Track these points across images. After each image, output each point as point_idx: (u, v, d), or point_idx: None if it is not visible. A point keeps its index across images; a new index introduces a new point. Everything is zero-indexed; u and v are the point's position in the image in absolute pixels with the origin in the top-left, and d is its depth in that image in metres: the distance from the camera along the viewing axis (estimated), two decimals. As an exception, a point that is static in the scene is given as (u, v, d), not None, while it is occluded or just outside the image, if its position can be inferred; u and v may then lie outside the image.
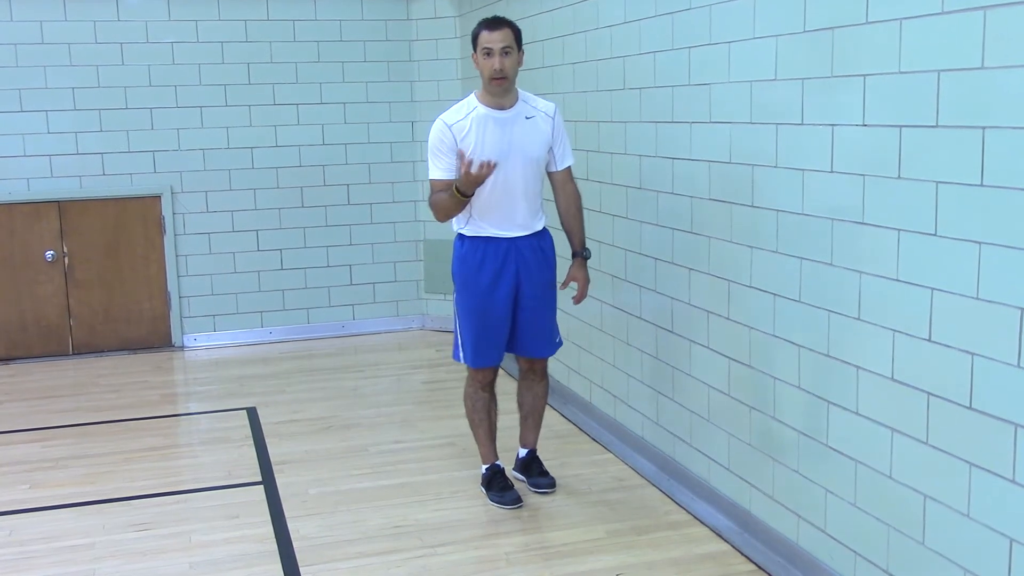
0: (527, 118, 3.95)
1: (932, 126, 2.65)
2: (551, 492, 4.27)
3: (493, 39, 3.84)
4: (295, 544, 3.86)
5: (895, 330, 2.86)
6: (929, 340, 2.72)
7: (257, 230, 7.10)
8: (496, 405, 4.24)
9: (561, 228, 4.18)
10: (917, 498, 2.82)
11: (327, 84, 7.10)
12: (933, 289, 2.70)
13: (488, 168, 3.68)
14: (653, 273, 4.36)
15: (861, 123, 2.94)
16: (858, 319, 3.02)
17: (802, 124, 3.23)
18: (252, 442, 5.06)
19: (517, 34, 3.90)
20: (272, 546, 3.85)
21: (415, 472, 4.58)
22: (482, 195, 3.89)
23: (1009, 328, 2.45)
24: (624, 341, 4.71)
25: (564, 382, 5.42)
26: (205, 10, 6.82)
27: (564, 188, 4.12)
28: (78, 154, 6.71)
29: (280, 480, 4.52)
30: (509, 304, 4.02)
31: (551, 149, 4.02)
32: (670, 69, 4.08)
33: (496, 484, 4.20)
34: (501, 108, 3.92)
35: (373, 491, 4.37)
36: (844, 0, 2.97)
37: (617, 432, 4.81)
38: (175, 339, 7.04)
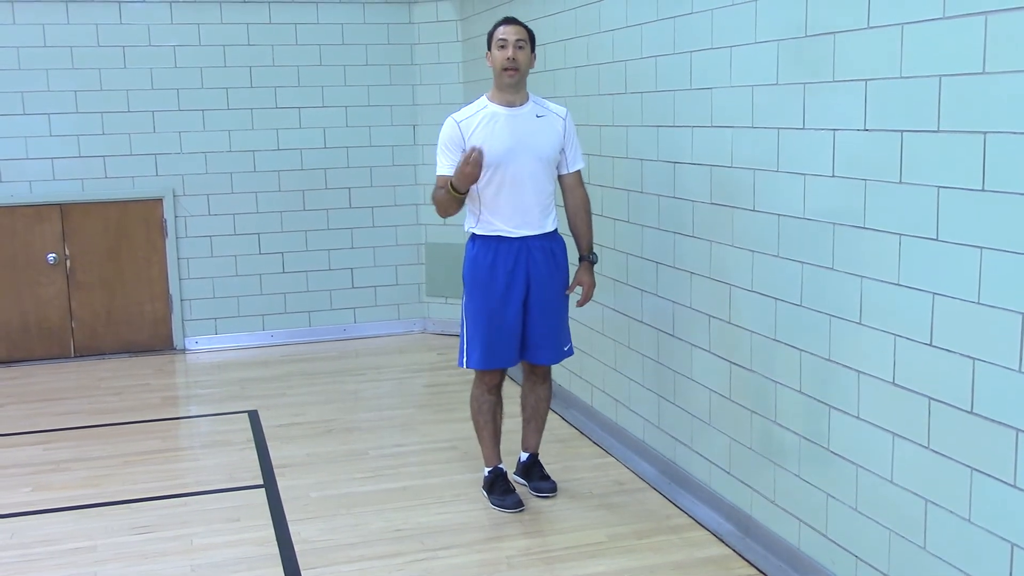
0: (538, 116, 3.99)
1: (933, 131, 2.66)
2: (552, 496, 4.27)
3: (508, 32, 3.91)
4: (296, 547, 3.86)
5: (896, 334, 2.86)
6: (930, 345, 2.73)
7: (259, 233, 7.10)
8: (502, 408, 4.25)
9: (569, 232, 4.20)
10: (918, 502, 2.82)
11: (329, 87, 7.11)
12: (934, 294, 2.70)
13: (474, 157, 3.71)
14: (654, 277, 4.37)
15: (863, 128, 2.94)
16: (859, 323, 3.02)
17: (804, 128, 3.23)
18: (253, 445, 5.07)
19: (531, 35, 3.98)
20: (273, 549, 3.86)
21: (416, 475, 4.58)
22: (490, 191, 3.91)
23: (1010, 333, 2.45)
24: (625, 345, 4.71)
25: (566, 386, 5.42)
26: (207, 14, 6.83)
27: (574, 192, 4.15)
28: (80, 157, 6.72)
29: (281, 483, 4.52)
30: (520, 305, 4.03)
31: (562, 150, 4.05)
32: (671, 73, 4.08)
33: (498, 488, 4.20)
34: (511, 105, 3.95)
35: (374, 494, 4.37)
36: (846, 5, 2.97)
37: (618, 436, 4.81)
38: (177, 342, 7.05)
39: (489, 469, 4.26)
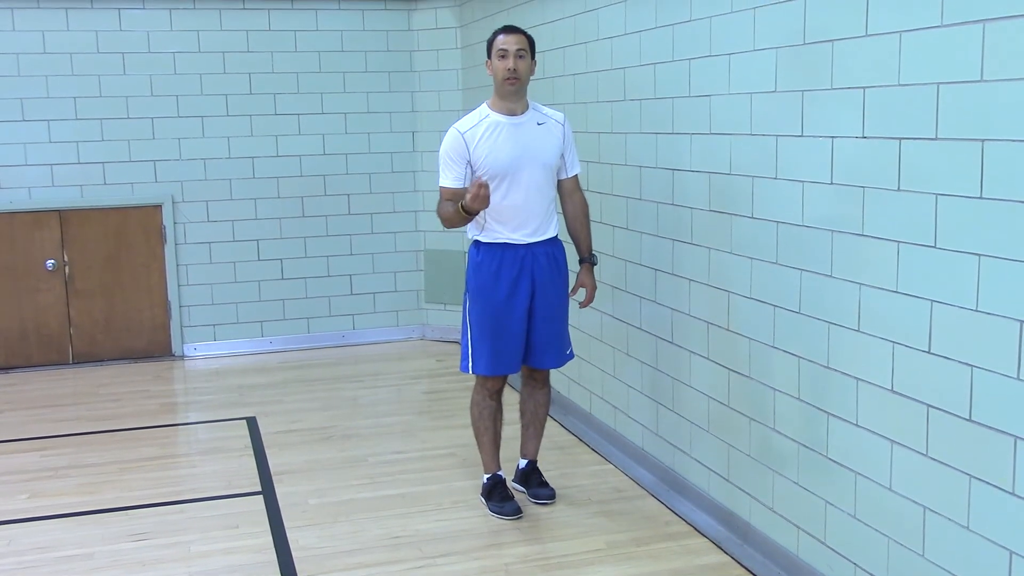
0: (539, 124, 4.01)
1: (932, 138, 2.66)
2: (551, 503, 4.27)
3: (509, 42, 3.91)
4: (294, 554, 3.85)
5: (895, 342, 2.86)
6: (929, 352, 2.73)
7: (258, 240, 7.11)
8: (502, 414, 4.25)
9: (568, 237, 4.21)
10: (917, 510, 2.82)
11: (328, 94, 7.12)
12: (933, 301, 2.70)
13: (483, 193, 3.73)
14: (653, 284, 4.37)
15: (861, 135, 2.95)
16: (858, 331, 3.02)
17: (802, 136, 3.24)
18: (252, 452, 5.06)
19: (531, 42, 3.99)
20: (271, 556, 3.85)
21: (415, 482, 4.57)
22: (496, 200, 3.92)
23: (1009, 340, 2.45)
24: (624, 352, 4.71)
25: (564, 393, 5.42)
26: (207, 20, 6.84)
27: (572, 196, 4.16)
28: (79, 163, 6.73)
29: (279, 490, 4.52)
30: (525, 312, 4.04)
31: (562, 155, 4.06)
32: (670, 80, 4.09)
33: (497, 494, 4.20)
34: (513, 114, 3.96)
35: (373, 501, 4.36)
36: (844, 12, 2.98)
37: (617, 443, 4.81)
38: (175, 349, 7.05)
39: (488, 476, 4.25)
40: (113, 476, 4.75)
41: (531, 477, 4.35)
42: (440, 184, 4.00)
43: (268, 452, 5.03)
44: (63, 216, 6.74)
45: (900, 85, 2.77)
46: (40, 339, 6.80)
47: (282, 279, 7.19)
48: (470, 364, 4.10)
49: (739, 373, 3.72)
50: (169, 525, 4.17)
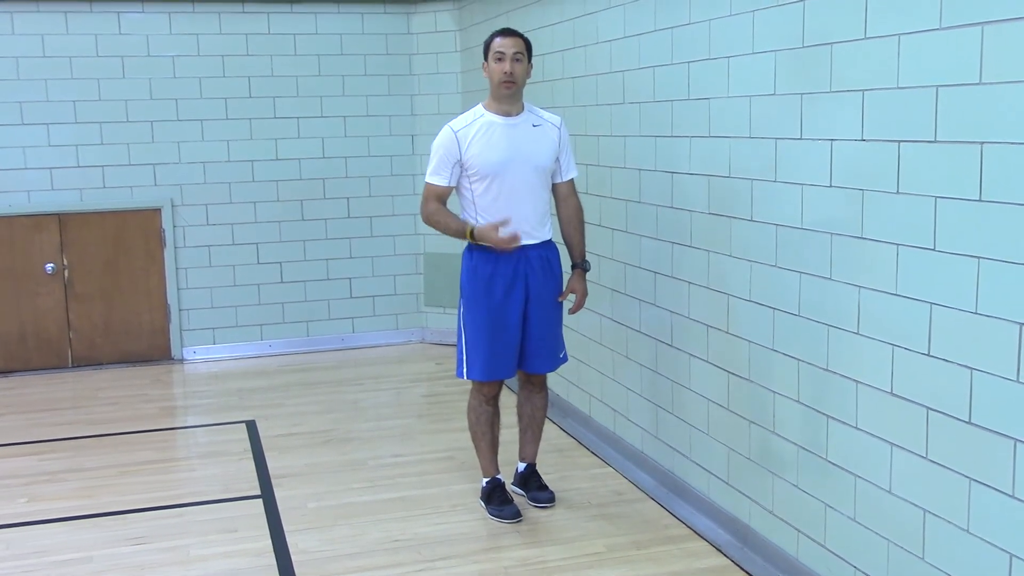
0: (534, 126, 4.00)
1: (931, 141, 2.66)
2: (550, 506, 4.26)
3: (506, 44, 3.92)
4: (294, 558, 3.85)
5: (894, 344, 2.86)
6: (928, 355, 2.72)
7: (257, 243, 7.10)
8: (499, 418, 4.24)
9: (562, 240, 4.20)
10: (916, 513, 2.81)
11: (327, 98, 7.12)
12: (932, 304, 2.70)
13: (515, 242, 3.84)
14: (652, 287, 4.37)
15: (860, 138, 2.95)
16: (857, 333, 3.02)
17: (801, 139, 3.24)
18: (251, 455, 5.05)
19: (528, 45, 3.99)
20: (271, 560, 3.84)
21: (415, 486, 4.57)
22: (487, 201, 3.92)
23: (1008, 343, 2.45)
24: (623, 355, 4.71)
25: (563, 395, 5.41)
26: (206, 24, 6.84)
27: (567, 201, 4.16)
28: (79, 167, 6.73)
29: (279, 494, 4.51)
30: (519, 317, 4.03)
31: (557, 159, 4.05)
32: (669, 84, 4.09)
33: (496, 498, 4.19)
34: (508, 115, 3.96)
35: (372, 505, 4.36)
36: (843, 15, 2.98)
37: (616, 446, 4.81)
38: (175, 352, 7.04)
39: (487, 479, 4.25)
40: (112, 480, 4.75)
41: (530, 480, 4.35)
42: (427, 180, 4.01)
43: (267, 455, 5.03)
44: (62, 220, 6.73)
45: (899, 88, 2.77)
46: (39, 343, 6.80)
47: (281, 282, 7.19)
48: (465, 370, 4.10)
49: (739, 376, 3.71)
50: (168, 529, 4.16)
